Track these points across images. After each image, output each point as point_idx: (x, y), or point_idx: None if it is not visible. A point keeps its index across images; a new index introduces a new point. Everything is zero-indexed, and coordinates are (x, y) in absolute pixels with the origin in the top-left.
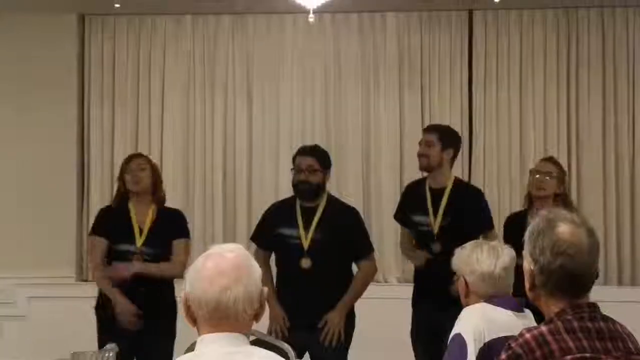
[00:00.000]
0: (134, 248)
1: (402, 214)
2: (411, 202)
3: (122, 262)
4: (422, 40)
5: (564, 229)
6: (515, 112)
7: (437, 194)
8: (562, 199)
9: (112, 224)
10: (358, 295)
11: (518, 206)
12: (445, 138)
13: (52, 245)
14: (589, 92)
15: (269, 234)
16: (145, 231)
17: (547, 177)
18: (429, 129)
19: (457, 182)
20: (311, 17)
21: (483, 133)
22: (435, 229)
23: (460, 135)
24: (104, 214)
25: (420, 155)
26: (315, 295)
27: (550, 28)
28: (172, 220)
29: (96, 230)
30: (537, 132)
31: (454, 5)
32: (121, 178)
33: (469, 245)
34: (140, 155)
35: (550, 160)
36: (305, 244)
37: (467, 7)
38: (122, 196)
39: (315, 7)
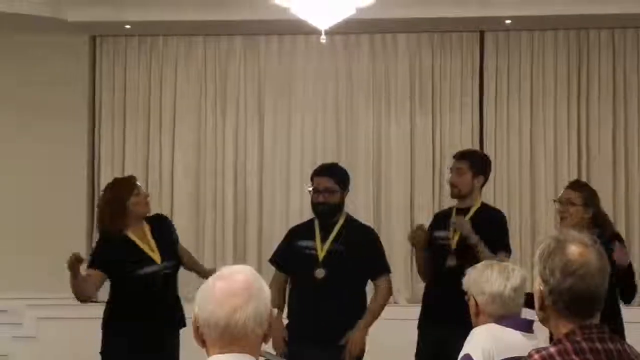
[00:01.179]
0: (157, 267)
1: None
2: (437, 222)
3: None
4: (433, 61)
5: (573, 249)
6: (526, 133)
7: (462, 212)
8: (593, 222)
9: (119, 253)
10: (378, 312)
11: (528, 225)
12: (477, 166)
13: (61, 266)
14: (599, 112)
15: (288, 254)
16: (155, 248)
17: (568, 206)
18: (461, 156)
19: (483, 205)
20: (323, 38)
21: (494, 154)
22: (453, 244)
23: (490, 160)
24: (102, 246)
25: (451, 184)
26: (328, 308)
27: (561, 48)
28: (164, 226)
29: (94, 263)
30: (548, 153)
31: (465, 27)
32: (122, 202)
33: (480, 265)
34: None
35: (572, 186)
36: (321, 255)
37: (478, 28)
38: (122, 222)
39: (327, 27)
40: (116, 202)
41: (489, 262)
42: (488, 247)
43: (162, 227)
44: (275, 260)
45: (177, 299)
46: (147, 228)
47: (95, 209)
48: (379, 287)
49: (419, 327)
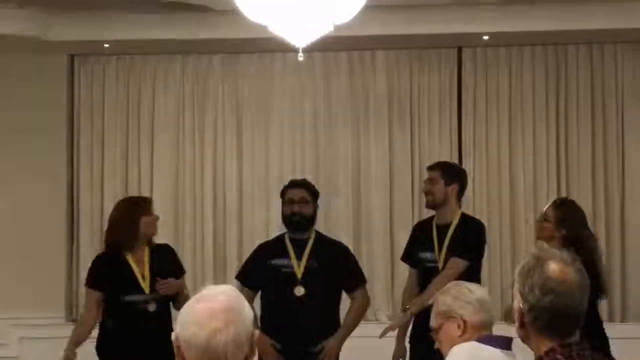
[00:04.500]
0: (143, 297)
1: (410, 254)
2: (419, 240)
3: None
4: (411, 78)
5: (553, 267)
6: (504, 149)
7: (443, 230)
8: (565, 242)
9: (110, 274)
10: (355, 323)
11: (508, 242)
12: (448, 173)
13: (43, 286)
14: (577, 127)
15: (257, 271)
16: (148, 275)
17: (543, 221)
18: (432, 167)
19: (463, 217)
20: (300, 56)
21: (472, 170)
22: (440, 265)
23: (465, 171)
24: (100, 264)
25: (425, 193)
26: (308, 324)
27: (538, 64)
28: (166, 257)
29: (93, 283)
30: (527, 169)
31: (443, 43)
32: (135, 218)
33: (449, 286)
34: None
35: (554, 202)
36: (299, 272)
37: (456, 45)
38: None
39: (304, 45)
40: (130, 217)
41: (455, 282)
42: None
43: (162, 259)
44: (242, 278)
45: (166, 334)
46: (146, 254)
47: (75, 230)
48: (356, 299)
49: (411, 341)
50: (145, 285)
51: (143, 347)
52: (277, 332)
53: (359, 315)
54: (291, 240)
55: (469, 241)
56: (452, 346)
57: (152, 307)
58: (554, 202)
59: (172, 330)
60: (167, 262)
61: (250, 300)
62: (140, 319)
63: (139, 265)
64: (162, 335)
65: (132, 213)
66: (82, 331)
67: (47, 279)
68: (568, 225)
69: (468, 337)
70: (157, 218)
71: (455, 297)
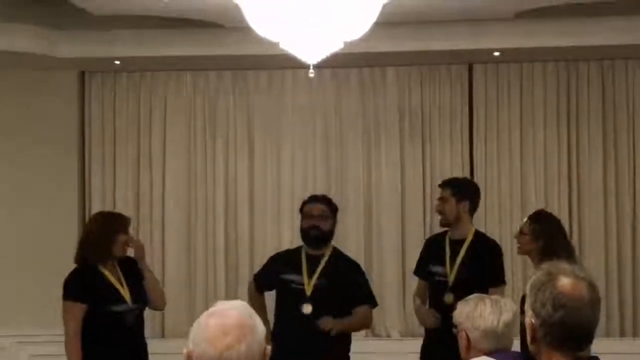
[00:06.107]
0: (127, 307)
1: (422, 268)
2: (431, 254)
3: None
4: (422, 94)
5: (564, 282)
6: (516, 164)
7: (456, 246)
8: (543, 253)
9: (92, 287)
10: (356, 324)
11: (519, 256)
12: (459, 191)
13: (53, 303)
14: (589, 143)
15: (270, 277)
16: (126, 287)
17: (521, 235)
18: (443, 185)
19: (477, 234)
20: (311, 72)
21: (484, 185)
22: (451, 280)
23: (477, 185)
24: (80, 276)
25: (437, 212)
26: (314, 342)
27: (550, 80)
28: (131, 266)
29: (76, 295)
30: (538, 184)
31: (454, 59)
32: (113, 234)
33: (471, 299)
34: None
35: (529, 216)
36: (308, 290)
37: (467, 61)
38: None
39: (315, 62)
40: (109, 231)
41: (481, 296)
42: (484, 282)
43: (131, 269)
44: (257, 279)
45: (144, 345)
46: (117, 267)
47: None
48: (358, 312)
49: (423, 352)
50: (126, 295)
51: (125, 357)
52: (285, 347)
53: (361, 320)
54: (307, 255)
55: (498, 265)
56: (464, 350)
57: (131, 319)
58: (529, 216)
59: (145, 342)
60: (135, 272)
61: (256, 297)
62: (124, 330)
63: (114, 278)
64: (139, 344)
65: (111, 229)
66: (78, 347)
67: (56, 296)
68: (543, 236)
69: (473, 354)
70: (132, 239)
71: (468, 316)
